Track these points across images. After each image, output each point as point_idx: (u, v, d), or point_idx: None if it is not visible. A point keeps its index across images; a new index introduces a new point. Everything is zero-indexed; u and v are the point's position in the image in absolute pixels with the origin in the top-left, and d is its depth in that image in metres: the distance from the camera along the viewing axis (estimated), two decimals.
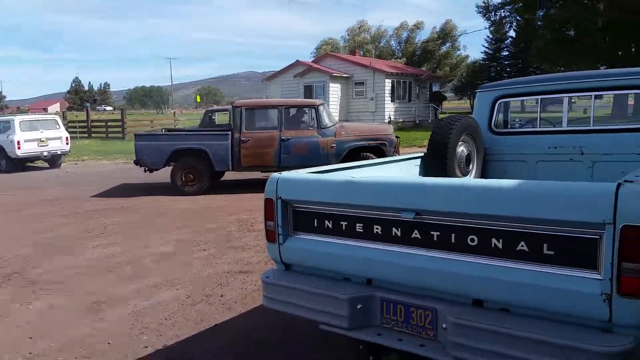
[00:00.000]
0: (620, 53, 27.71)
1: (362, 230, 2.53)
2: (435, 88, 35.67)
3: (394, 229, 2.41)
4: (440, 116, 30.09)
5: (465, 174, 4.11)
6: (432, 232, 2.29)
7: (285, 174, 2.79)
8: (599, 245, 1.86)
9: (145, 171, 10.91)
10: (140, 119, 36.74)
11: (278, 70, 32.38)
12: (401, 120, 29.57)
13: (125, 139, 26.65)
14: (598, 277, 1.87)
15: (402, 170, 3.80)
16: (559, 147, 4.04)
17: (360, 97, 29.50)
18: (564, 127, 4.17)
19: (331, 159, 9.76)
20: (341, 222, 2.60)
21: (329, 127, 10.22)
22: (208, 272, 5.22)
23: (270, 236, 2.80)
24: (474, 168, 4.17)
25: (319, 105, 10.37)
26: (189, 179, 10.30)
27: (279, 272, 2.82)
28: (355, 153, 9.87)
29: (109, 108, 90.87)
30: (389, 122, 24.97)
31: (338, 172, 3.09)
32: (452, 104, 61.65)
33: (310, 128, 10.10)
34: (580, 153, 3.96)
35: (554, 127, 4.31)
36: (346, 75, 29.76)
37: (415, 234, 2.34)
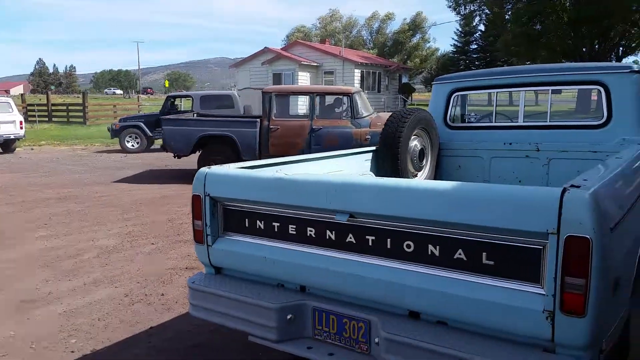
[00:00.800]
0: (584, 49, 28.24)
1: (295, 233, 2.32)
2: (404, 79, 35.78)
3: (328, 232, 2.21)
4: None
5: (418, 169, 3.96)
6: (366, 237, 2.10)
7: (215, 168, 2.56)
8: (542, 257, 1.69)
9: (174, 157, 10.47)
10: (103, 103, 35.62)
11: (246, 56, 31.82)
12: None
13: (86, 124, 25.81)
14: (541, 292, 1.70)
15: (352, 165, 3.60)
16: (515, 143, 3.91)
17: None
18: (520, 123, 4.04)
19: None
20: (273, 223, 2.39)
21: (365, 117, 9.38)
22: (151, 269, 4.94)
23: (198, 237, 2.57)
24: (427, 164, 4.01)
25: (354, 93, 9.42)
26: None
27: (207, 277, 2.59)
28: None
29: (118, 92, 77.73)
30: None
31: (275, 167, 2.87)
32: (423, 96, 61.96)
33: (344, 118, 9.35)
34: (536, 149, 3.84)
35: (511, 122, 4.19)
36: (315, 64, 29.47)
37: (350, 238, 2.14)
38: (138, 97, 43.19)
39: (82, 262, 5.20)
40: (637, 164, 2.64)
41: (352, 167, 3.62)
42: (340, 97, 9.78)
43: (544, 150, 3.81)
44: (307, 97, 9.53)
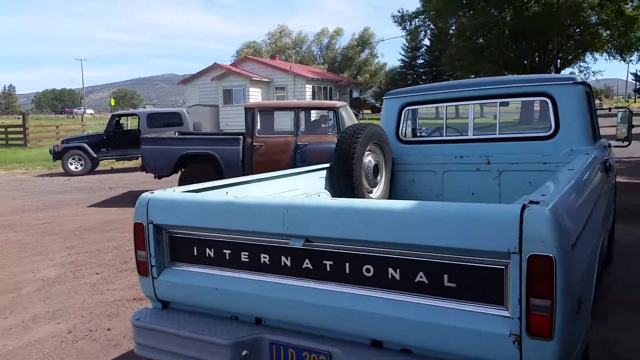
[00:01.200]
0: (525, 62, 29.50)
1: (247, 260, 2.18)
2: (355, 94, 36.23)
3: (283, 258, 2.08)
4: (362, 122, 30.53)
5: (373, 185, 3.90)
6: (324, 262, 1.98)
7: (158, 193, 2.39)
8: (505, 277, 1.63)
9: (155, 177, 9.90)
10: (44, 124, 34.12)
11: (195, 73, 31.37)
12: None
13: (27, 146, 24.60)
14: (506, 314, 1.63)
15: (306, 184, 3.50)
16: (465, 156, 3.92)
17: None
18: (470, 136, 4.06)
19: None
20: (224, 251, 2.24)
21: None
22: (97, 301, 4.63)
23: (142, 269, 2.38)
24: (382, 179, 3.96)
25: (339, 107, 9.19)
26: None
27: (153, 312, 2.40)
28: None
29: (89, 111, 67.91)
30: None
31: (224, 188, 2.73)
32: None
33: (330, 133, 9.03)
34: (486, 162, 3.86)
35: (461, 135, 4.21)
36: (266, 80, 29.40)
37: (307, 263, 2.03)
38: (82, 116, 41.53)
39: (21, 296, 4.82)
40: (587, 175, 2.66)
41: (307, 186, 3.51)
42: (326, 112, 9.60)
43: (495, 163, 3.84)
44: (292, 112, 9.18)
